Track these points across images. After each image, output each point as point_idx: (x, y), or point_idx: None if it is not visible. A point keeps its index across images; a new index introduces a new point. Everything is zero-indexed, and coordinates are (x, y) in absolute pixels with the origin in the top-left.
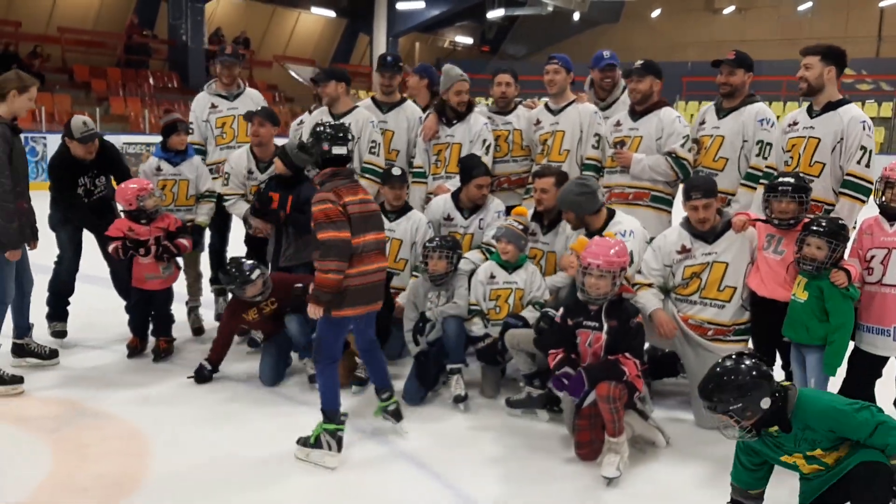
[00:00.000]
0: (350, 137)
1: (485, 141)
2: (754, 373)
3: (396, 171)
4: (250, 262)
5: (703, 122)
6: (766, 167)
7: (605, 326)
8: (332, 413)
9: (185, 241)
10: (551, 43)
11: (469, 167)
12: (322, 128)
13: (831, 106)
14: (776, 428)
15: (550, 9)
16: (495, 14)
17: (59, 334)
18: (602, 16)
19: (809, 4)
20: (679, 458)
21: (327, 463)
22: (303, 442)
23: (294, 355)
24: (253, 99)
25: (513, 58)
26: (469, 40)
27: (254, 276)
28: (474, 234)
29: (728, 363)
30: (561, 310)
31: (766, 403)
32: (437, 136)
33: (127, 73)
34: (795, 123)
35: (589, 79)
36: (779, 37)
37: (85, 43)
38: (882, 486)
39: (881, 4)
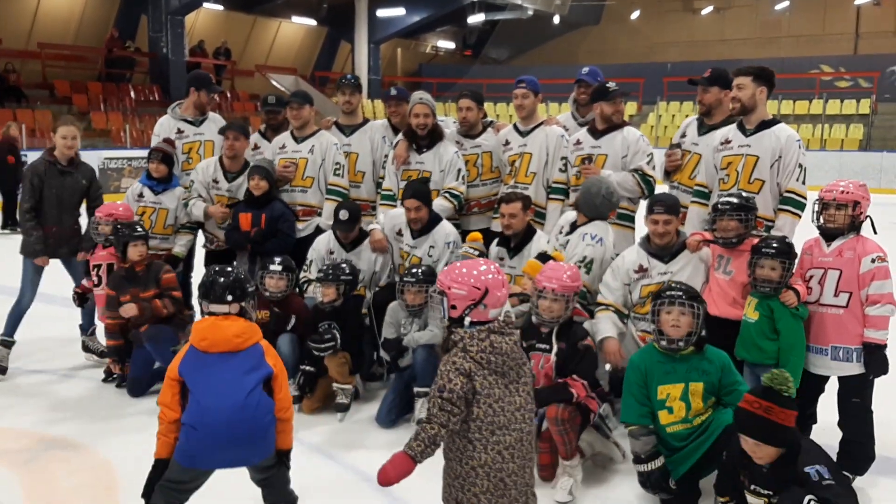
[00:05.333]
0: None
1: (459, 171)
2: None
3: (343, 216)
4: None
5: (683, 135)
6: (697, 185)
7: (555, 348)
8: None
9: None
10: (533, 46)
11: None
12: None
13: (765, 125)
14: (692, 349)
15: (530, 12)
16: (476, 19)
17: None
18: (582, 18)
19: (787, 3)
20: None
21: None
22: None
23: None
24: (217, 124)
25: (495, 61)
26: (451, 45)
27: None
28: (422, 259)
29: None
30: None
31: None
32: (408, 163)
33: (108, 87)
34: (728, 142)
35: (572, 95)
36: (757, 35)
37: (65, 58)
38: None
39: (857, 2)
